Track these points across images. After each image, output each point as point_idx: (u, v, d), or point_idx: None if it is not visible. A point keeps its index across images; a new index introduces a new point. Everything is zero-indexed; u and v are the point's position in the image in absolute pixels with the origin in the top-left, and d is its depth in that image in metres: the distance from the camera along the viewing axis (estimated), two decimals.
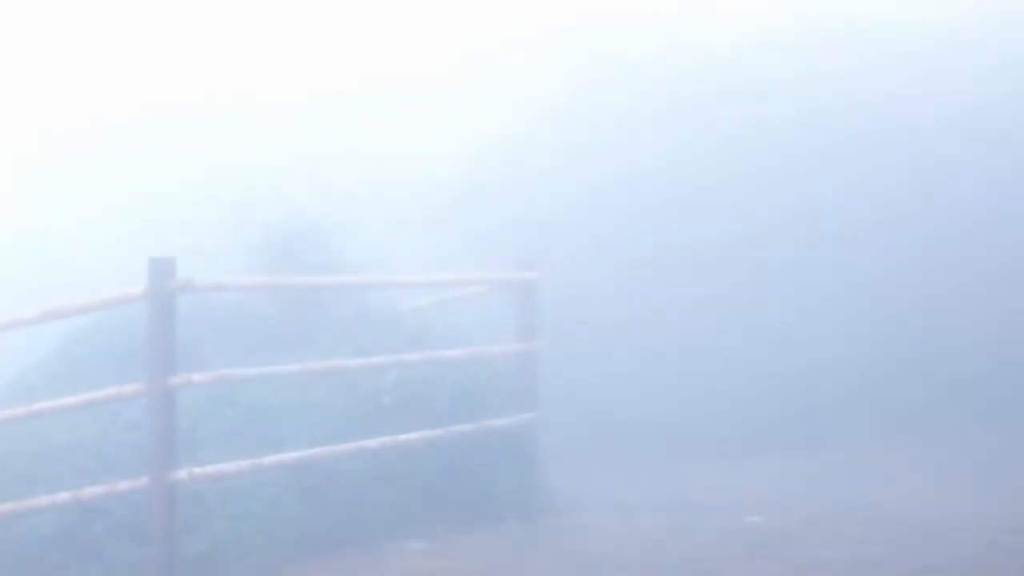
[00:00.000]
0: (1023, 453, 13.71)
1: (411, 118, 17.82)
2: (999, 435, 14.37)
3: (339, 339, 11.75)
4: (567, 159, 17.21)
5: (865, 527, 10.52)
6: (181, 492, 9.01)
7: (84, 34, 19.43)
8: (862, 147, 16.58)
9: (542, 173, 17.22)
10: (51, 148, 18.48)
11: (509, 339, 11.81)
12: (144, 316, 8.91)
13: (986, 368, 15.25)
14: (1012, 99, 16.81)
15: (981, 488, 12.13)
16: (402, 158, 17.55)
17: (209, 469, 9.00)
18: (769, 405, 15.34)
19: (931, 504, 11.46)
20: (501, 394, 11.45)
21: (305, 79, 17.99)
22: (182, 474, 8.83)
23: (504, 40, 19.07)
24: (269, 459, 9.31)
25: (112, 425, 10.43)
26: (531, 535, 10.75)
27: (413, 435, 10.28)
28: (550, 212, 16.71)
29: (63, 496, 9.00)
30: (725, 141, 16.80)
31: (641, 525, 10.99)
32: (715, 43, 17.88)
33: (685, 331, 15.83)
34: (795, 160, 16.50)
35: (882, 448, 14.41)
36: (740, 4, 18.45)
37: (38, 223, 17.68)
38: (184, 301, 9.16)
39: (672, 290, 16.09)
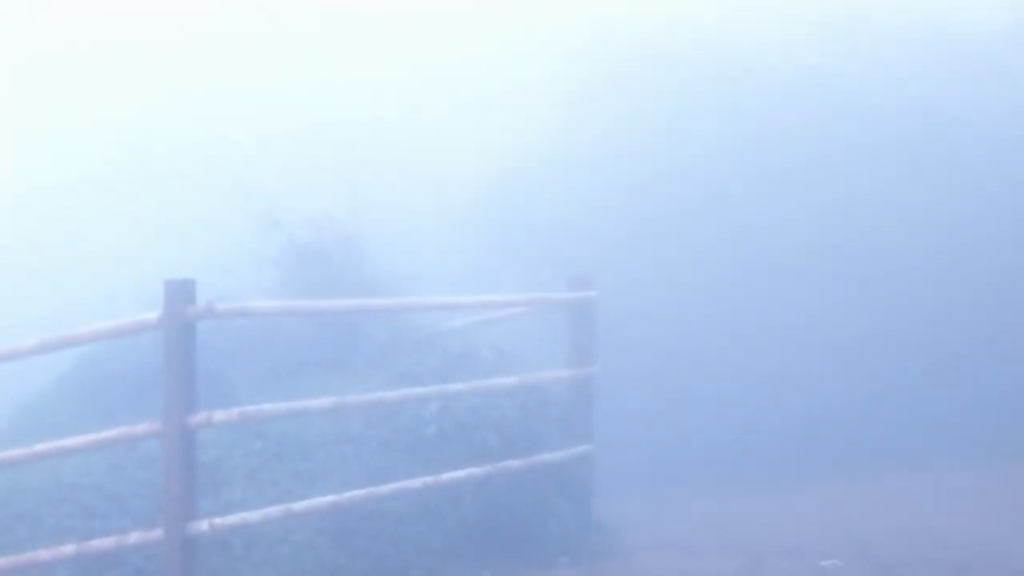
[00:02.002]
0: None
1: (438, 120, 16.59)
2: None
3: (377, 362, 10.59)
4: (601, 160, 15.92)
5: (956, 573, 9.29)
6: (202, 541, 7.78)
7: (85, 31, 18.29)
8: (907, 149, 15.25)
9: (577, 175, 15.93)
10: (56, 152, 17.32)
11: (558, 360, 10.57)
12: (160, 344, 7.67)
13: None
14: None
15: None
16: (430, 163, 16.33)
17: (232, 519, 7.78)
18: (826, 425, 14.12)
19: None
20: (553, 425, 10.22)
21: (338, 80, 16.79)
22: (202, 525, 7.60)
23: (528, 36, 17.79)
24: (300, 505, 8.07)
25: (126, 460, 9.24)
26: None
27: (459, 473, 9.04)
28: (586, 218, 15.43)
29: (67, 549, 7.76)
30: (765, 139, 15.49)
31: (704, 570, 9.77)
32: (752, 37, 16.57)
33: (733, 346, 14.57)
34: (845, 167, 15.22)
35: (948, 469, 13.18)
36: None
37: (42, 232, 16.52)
38: (207, 322, 7.95)
39: (716, 302, 14.82)
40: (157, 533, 7.62)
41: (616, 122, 16.18)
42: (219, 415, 7.56)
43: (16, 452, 7.97)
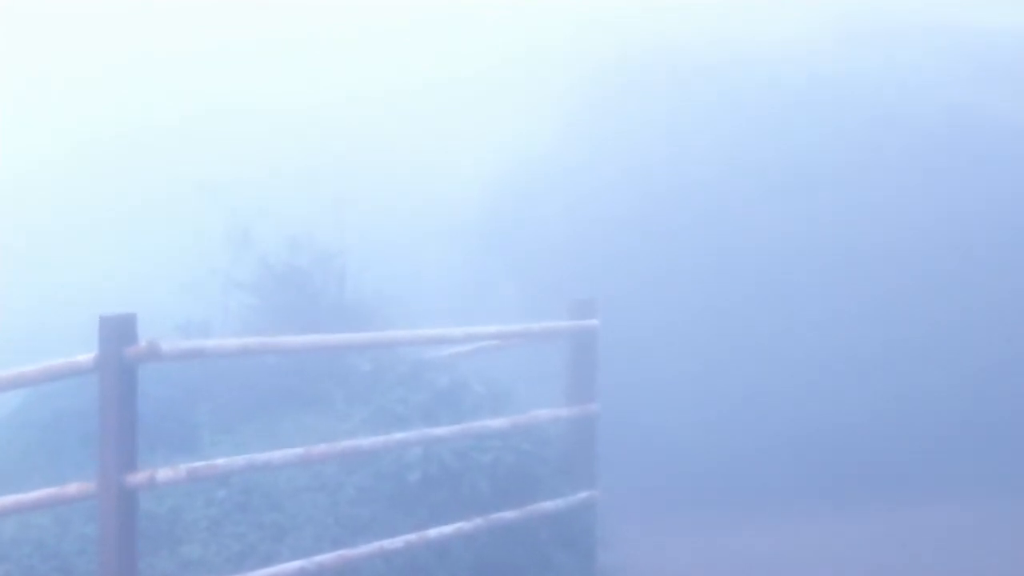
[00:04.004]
0: None
1: (435, 130, 15.37)
2: None
3: (357, 396, 9.38)
4: (603, 174, 14.67)
5: None
6: None
7: (58, 43, 17.17)
8: (928, 156, 13.98)
9: (577, 190, 14.69)
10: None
11: (557, 395, 9.33)
12: (96, 391, 6.44)
13: None
14: None
15: None
16: (419, 177, 15.11)
17: None
18: (840, 455, 12.91)
19: None
20: (552, 469, 8.98)
21: (313, 87, 15.59)
22: None
23: (533, 44, 16.61)
24: (263, 573, 6.83)
25: (72, 512, 7.98)
26: None
27: (446, 529, 7.81)
28: (586, 235, 14.20)
29: None
30: (777, 150, 14.23)
31: None
32: (764, 43, 15.36)
33: (743, 372, 13.33)
34: (870, 174, 13.93)
35: (972, 499, 12.02)
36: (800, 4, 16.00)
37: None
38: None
39: (724, 321, 13.55)
40: None
41: (620, 134, 14.98)
42: (163, 474, 6.31)
43: None
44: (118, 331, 6.31)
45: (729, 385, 13.17)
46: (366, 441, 7.54)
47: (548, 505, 8.63)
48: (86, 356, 6.35)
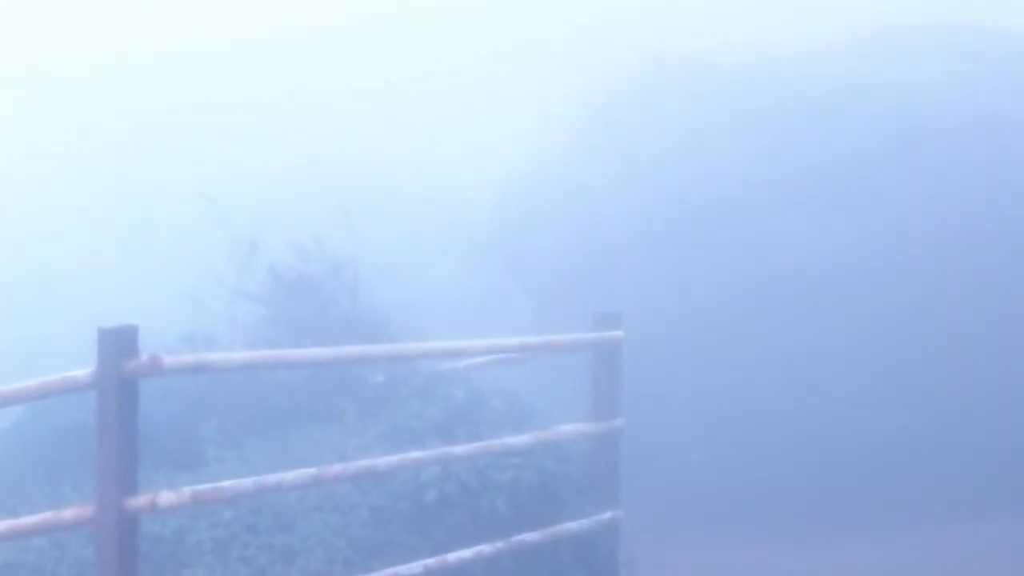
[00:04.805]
0: None
1: (441, 138, 14.92)
2: None
3: (371, 411, 8.93)
4: (618, 182, 14.19)
5: None
6: None
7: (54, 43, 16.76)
8: (955, 165, 13.48)
9: (593, 198, 14.22)
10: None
11: (579, 409, 8.86)
12: (93, 407, 5.98)
13: None
14: None
15: None
16: (432, 184, 14.65)
17: None
18: (870, 470, 12.40)
19: None
20: (575, 488, 8.50)
21: (323, 85, 15.12)
22: None
23: (540, 48, 16.18)
24: None
25: (70, 535, 7.53)
26: None
27: (465, 552, 7.35)
28: (603, 244, 13.73)
29: None
30: (802, 157, 13.71)
31: None
32: (781, 50, 14.88)
33: (767, 385, 12.83)
34: (896, 183, 13.42)
35: (1008, 518, 11.49)
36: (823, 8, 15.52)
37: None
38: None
39: (745, 335, 13.04)
40: None
41: (634, 142, 14.49)
42: (165, 497, 5.85)
43: None
44: (118, 344, 5.85)
45: (752, 401, 12.70)
46: (381, 460, 7.07)
47: (571, 526, 8.17)
48: (84, 371, 5.90)
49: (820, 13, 15.83)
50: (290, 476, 6.43)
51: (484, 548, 7.52)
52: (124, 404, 5.82)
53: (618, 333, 8.67)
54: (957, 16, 14.99)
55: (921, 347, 12.86)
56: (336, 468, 6.74)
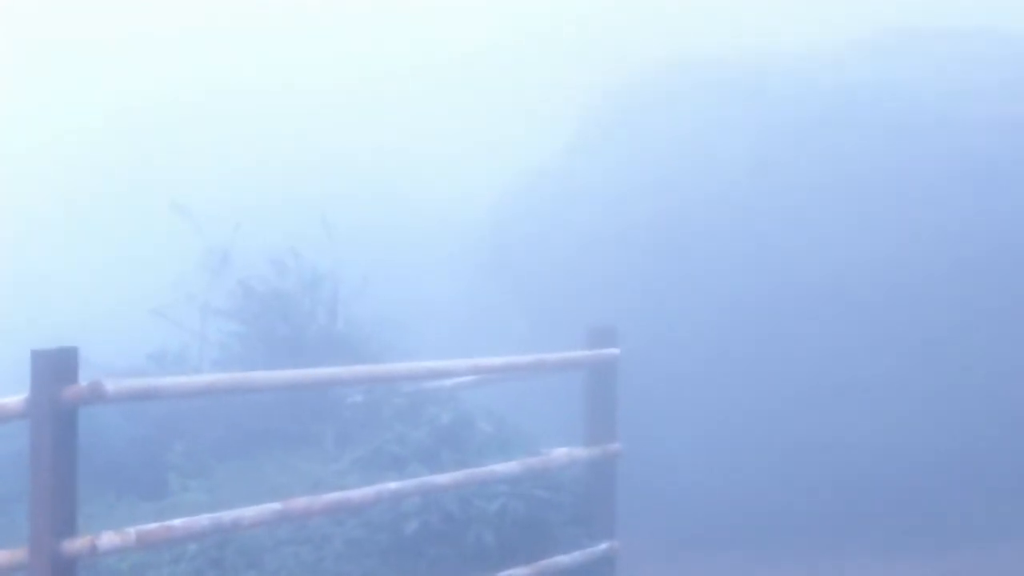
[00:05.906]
0: None
1: (427, 144, 14.30)
2: None
3: (350, 434, 8.30)
4: (617, 190, 13.55)
5: None
6: None
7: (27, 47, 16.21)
8: (974, 171, 12.81)
9: (590, 206, 13.58)
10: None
11: (573, 432, 8.22)
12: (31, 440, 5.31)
13: None
14: None
15: None
16: (418, 192, 14.01)
17: None
18: (882, 493, 11.70)
19: None
20: (567, 518, 7.85)
21: (311, 84, 14.51)
22: None
23: (537, 53, 15.60)
24: None
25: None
26: None
27: None
28: (599, 255, 13.07)
29: None
30: (810, 160, 13.05)
31: None
32: (793, 52, 14.27)
33: (772, 407, 12.12)
34: (907, 187, 12.74)
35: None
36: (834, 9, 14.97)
37: None
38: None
39: (749, 349, 12.36)
40: None
41: (639, 145, 13.84)
42: (106, 540, 5.18)
43: None
44: (54, 368, 5.20)
45: (756, 421, 12.01)
46: (355, 492, 6.40)
47: (563, 559, 7.52)
48: (15, 398, 5.24)
49: (826, 15, 15.28)
50: (250, 512, 5.75)
51: None
52: (60, 436, 5.16)
53: (614, 351, 8.02)
54: (966, 19, 14.36)
55: (927, 361, 12.20)
56: (303, 501, 6.07)
